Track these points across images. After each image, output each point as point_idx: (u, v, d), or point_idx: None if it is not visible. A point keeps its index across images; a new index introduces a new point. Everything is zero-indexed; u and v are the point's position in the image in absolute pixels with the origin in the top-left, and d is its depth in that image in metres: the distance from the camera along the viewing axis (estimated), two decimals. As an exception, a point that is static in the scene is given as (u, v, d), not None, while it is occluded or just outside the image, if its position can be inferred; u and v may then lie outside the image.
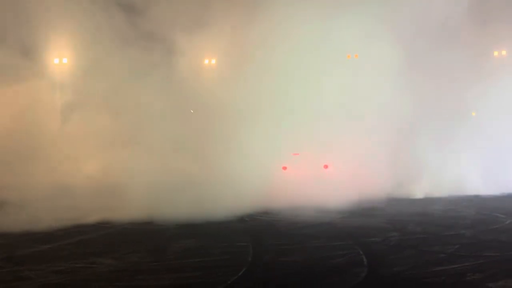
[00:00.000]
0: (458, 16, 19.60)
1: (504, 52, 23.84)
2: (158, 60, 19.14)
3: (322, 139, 19.02)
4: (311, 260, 11.46)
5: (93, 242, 13.46)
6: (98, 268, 10.90)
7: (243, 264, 10.96)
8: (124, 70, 18.79)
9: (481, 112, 22.09)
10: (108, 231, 14.86)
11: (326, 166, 20.23)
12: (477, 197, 20.94)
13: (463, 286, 9.64)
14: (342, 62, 19.84)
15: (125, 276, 10.32)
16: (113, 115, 19.02)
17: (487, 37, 21.82)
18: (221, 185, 16.47)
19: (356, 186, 18.20)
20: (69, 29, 19.79)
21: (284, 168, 20.04)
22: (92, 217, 16.10)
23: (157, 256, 11.87)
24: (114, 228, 15.15)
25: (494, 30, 21.56)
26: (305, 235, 14.00)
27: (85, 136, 19.10)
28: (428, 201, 20.21)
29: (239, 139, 17.81)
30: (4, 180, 17.36)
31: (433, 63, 20.29)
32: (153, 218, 15.76)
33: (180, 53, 19.73)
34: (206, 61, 22.85)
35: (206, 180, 16.87)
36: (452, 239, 13.34)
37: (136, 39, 19.28)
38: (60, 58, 21.53)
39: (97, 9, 19.04)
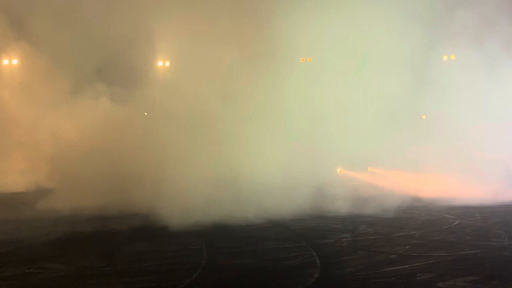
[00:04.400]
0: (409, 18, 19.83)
1: (453, 57, 24.28)
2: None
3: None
4: (264, 262, 11.48)
5: (41, 247, 13.11)
6: (48, 274, 10.64)
7: (196, 267, 10.89)
8: None
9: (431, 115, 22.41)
10: (57, 235, 14.50)
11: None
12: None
13: (413, 286, 9.83)
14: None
15: (75, 282, 10.12)
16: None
17: (437, 41, 22.13)
18: None
19: None
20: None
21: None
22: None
23: (109, 260, 11.66)
24: (64, 232, 14.80)
25: (444, 34, 21.89)
26: (258, 237, 14.00)
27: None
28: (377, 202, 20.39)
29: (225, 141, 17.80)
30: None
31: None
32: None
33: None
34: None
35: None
36: (403, 240, 13.58)
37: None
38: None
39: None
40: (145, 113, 20.60)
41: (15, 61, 23.41)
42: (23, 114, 21.43)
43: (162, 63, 23.48)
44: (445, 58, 23.67)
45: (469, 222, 16.12)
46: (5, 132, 20.86)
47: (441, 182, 20.65)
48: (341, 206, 18.16)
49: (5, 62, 23.58)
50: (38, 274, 10.65)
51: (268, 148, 17.85)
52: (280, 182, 17.31)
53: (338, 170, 21.88)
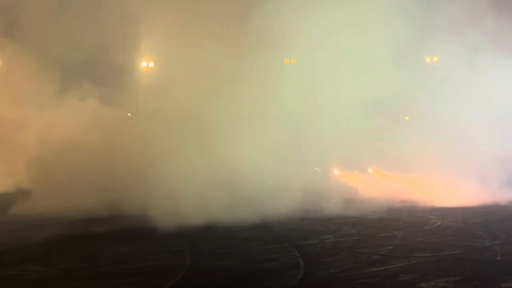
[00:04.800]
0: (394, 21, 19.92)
1: (435, 58, 24.44)
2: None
3: None
4: (248, 264, 11.48)
5: (23, 249, 12.98)
6: (29, 276, 10.55)
7: (180, 269, 10.85)
8: None
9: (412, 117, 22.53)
10: (39, 237, 14.36)
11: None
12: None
13: (396, 287, 9.88)
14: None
15: (57, 284, 10.04)
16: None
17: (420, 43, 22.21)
18: None
19: None
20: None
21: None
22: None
23: (91, 263, 11.59)
24: (45, 234, 14.67)
25: (427, 36, 21.97)
26: (241, 239, 14.00)
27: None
28: (362, 203, 20.47)
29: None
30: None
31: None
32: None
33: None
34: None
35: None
36: (386, 240, 13.65)
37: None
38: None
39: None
40: (129, 114, 20.50)
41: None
42: (7, 114, 21.30)
43: (146, 64, 23.38)
44: (428, 59, 23.86)
45: (450, 223, 16.24)
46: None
47: (426, 184, 20.72)
48: (327, 207, 18.18)
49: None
50: (19, 276, 10.56)
51: (256, 148, 17.83)
52: (268, 183, 17.32)
53: (335, 171, 21.80)
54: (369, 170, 22.44)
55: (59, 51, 20.66)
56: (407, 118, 22.27)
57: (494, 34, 20.49)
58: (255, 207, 16.52)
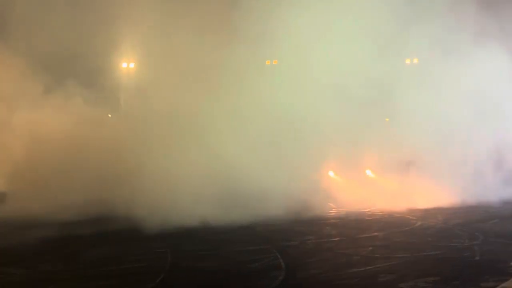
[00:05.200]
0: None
1: (415, 60, 24.60)
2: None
3: None
4: (229, 265, 11.48)
5: (2, 251, 12.84)
6: (7, 279, 10.46)
7: (160, 271, 10.82)
8: None
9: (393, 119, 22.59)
10: (18, 239, 14.24)
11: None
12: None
13: (376, 287, 9.94)
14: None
15: (36, 286, 9.97)
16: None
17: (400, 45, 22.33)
18: None
19: None
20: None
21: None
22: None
23: (70, 265, 11.52)
24: (25, 237, 14.54)
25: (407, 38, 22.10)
26: (223, 240, 14.00)
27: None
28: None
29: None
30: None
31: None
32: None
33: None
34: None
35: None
36: (366, 241, 13.75)
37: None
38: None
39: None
40: (109, 115, 20.40)
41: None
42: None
43: (126, 64, 23.29)
44: (407, 61, 24.01)
45: (430, 223, 16.38)
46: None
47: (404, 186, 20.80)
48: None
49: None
50: (-2, 279, 10.48)
51: (241, 149, 17.83)
52: (252, 185, 17.34)
53: (330, 173, 21.66)
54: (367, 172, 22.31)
55: (41, 51, 20.45)
56: (387, 119, 22.37)
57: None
58: (239, 208, 16.53)
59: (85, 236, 14.43)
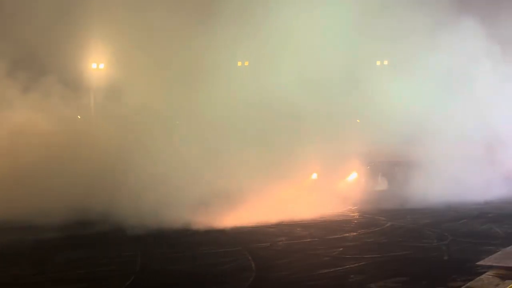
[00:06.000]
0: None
1: (385, 62, 24.83)
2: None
3: None
4: (200, 267, 11.45)
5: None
6: (-26, 284, 10.30)
7: (130, 274, 10.73)
8: None
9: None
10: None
11: None
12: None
13: (346, 288, 10.03)
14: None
15: (4, 291, 9.83)
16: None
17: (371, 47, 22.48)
18: None
19: None
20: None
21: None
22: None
23: (40, 268, 11.38)
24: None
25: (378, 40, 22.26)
26: (194, 243, 13.97)
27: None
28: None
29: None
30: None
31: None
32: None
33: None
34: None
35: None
36: (337, 242, 13.84)
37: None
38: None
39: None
40: (78, 117, 20.18)
41: None
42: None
43: (96, 65, 23.02)
44: (378, 63, 24.22)
45: (400, 223, 16.57)
46: None
47: None
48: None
49: None
50: (-36, 284, 10.29)
51: (207, 150, 17.78)
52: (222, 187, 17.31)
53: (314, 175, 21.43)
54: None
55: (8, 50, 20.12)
56: (358, 121, 22.53)
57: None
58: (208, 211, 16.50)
59: (55, 239, 14.27)
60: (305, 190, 19.65)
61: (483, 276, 9.98)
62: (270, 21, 19.16)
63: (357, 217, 18.06)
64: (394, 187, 24.04)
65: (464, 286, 9.43)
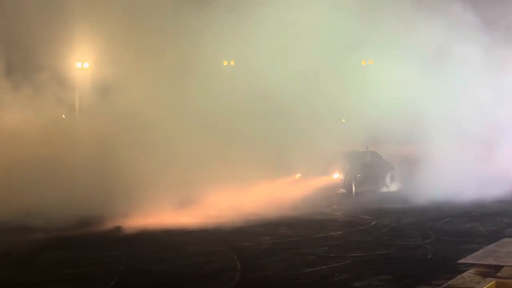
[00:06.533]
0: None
1: (370, 62, 24.91)
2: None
3: None
4: (185, 267, 11.43)
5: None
6: (-44, 285, 10.20)
7: (114, 275, 10.68)
8: None
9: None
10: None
11: None
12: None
13: (331, 287, 10.06)
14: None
15: (-14, 292, 9.75)
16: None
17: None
18: None
19: None
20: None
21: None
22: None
23: (23, 269, 11.27)
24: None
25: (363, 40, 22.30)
26: (179, 242, 13.93)
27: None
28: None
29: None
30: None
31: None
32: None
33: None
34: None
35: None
36: (322, 241, 13.89)
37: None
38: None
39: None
40: (63, 116, 20.05)
41: None
42: None
43: (81, 64, 22.88)
44: (363, 62, 24.28)
45: (385, 222, 16.65)
46: None
47: None
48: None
49: None
50: None
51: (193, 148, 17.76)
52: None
53: (297, 175, 21.36)
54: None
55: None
56: (343, 120, 22.61)
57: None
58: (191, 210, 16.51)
59: (39, 240, 14.13)
60: (291, 188, 19.79)
61: (464, 274, 10.05)
62: (257, 19, 19.20)
63: (342, 216, 18.11)
64: (380, 187, 24.21)
65: (445, 284, 9.50)
